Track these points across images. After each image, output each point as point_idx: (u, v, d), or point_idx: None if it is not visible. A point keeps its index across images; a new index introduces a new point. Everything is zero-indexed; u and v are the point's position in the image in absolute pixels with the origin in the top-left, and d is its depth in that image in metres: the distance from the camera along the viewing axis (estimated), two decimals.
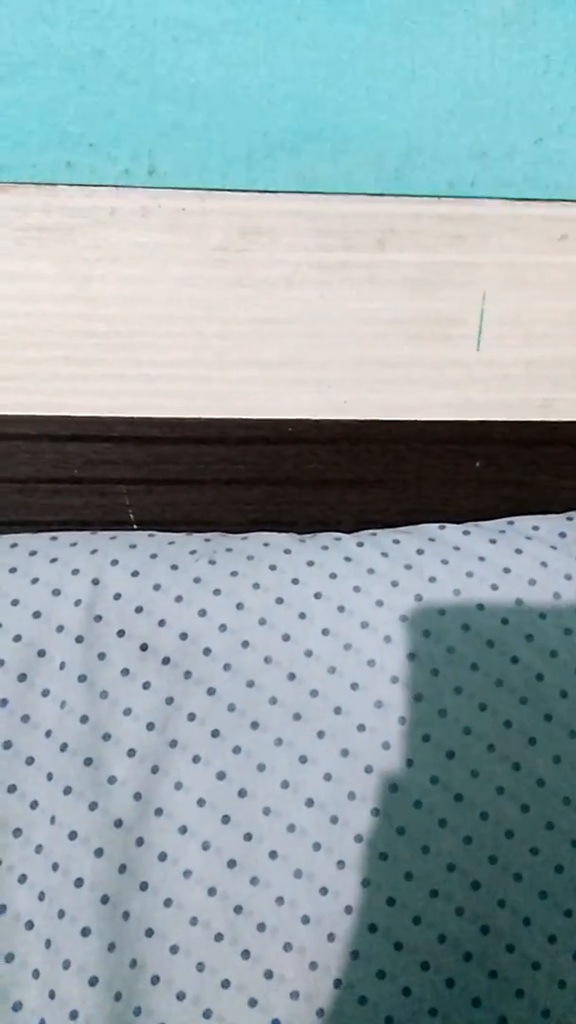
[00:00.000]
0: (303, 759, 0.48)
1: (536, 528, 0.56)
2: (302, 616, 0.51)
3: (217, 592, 0.51)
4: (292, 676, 0.50)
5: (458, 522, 0.57)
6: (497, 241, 0.59)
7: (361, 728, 0.49)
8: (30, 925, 0.45)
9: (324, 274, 0.58)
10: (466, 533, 0.56)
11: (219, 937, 0.45)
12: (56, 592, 0.51)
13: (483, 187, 0.60)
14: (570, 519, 0.57)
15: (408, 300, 0.59)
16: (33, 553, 0.53)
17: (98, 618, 0.51)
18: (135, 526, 0.60)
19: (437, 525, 0.57)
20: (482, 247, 0.59)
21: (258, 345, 0.59)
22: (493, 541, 0.55)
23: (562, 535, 0.56)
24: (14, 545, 0.54)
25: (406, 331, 0.60)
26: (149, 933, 0.45)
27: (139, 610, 0.51)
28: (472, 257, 0.59)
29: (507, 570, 0.53)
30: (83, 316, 0.58)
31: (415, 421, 0.61)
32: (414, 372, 0.61)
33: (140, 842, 0.46)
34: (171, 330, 0.58)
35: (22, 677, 0.49)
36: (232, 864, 0.46)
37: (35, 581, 0.51)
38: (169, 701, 0.49)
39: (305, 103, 0.57)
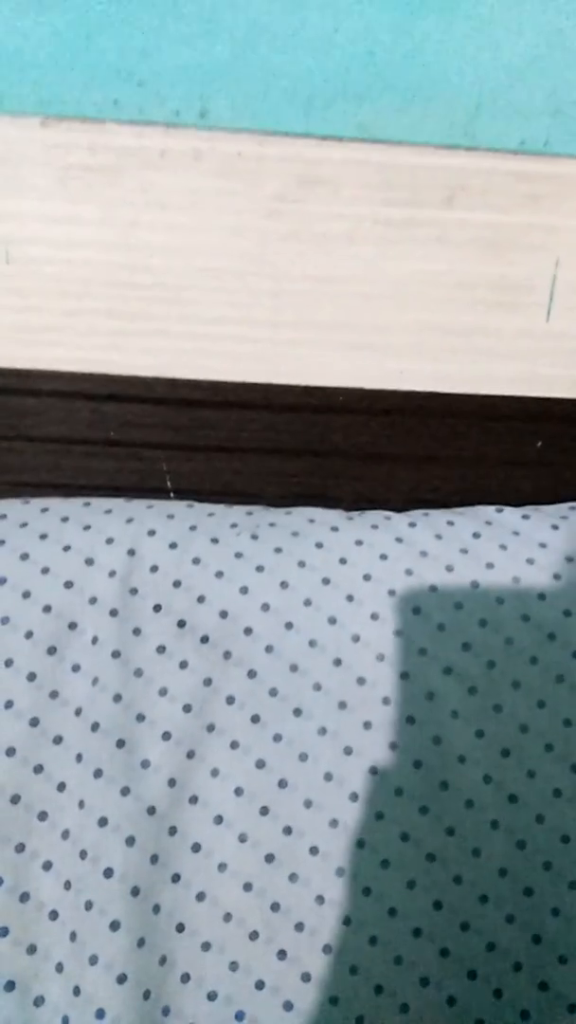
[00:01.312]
0: (348, 750, 0.46)
1: None
2: (350, 599, 0.49)
3: (260, 569, 0.49)
4: (338, 662, 0.48)
5: (516, 505, 0.55)
6: (575, 204, 0.55)
7: (410, 720, 0.47)
8: (54, 915, 0.43)
9: (387, 231, 0.55)
10: (525, 517, 0.53)
11: (254, 935, 0.43)
12: (89, 561, 0.49)
13: (557, 145, 0.56)
14: None
15: (476, 263, 0.56)
16: (65, 519, 0.50)
17: (134, 591, 0.48)
18: (172, 494, 0.57)
19: (494, 507, 0.54)
20: (557, 209, 0.55)
21: (311, 305, 0.56)
22: (555, 527, 0.52)
23: None
24: (45, 509, 0.51)
25: (472, 296, 0.57)
26: (180, 928, 0.43)
27: (177, 584, 0.48)
28: (546, 219, 0.56)
29: (570, 559, 0.51)
30: (126, 266, 0.55)
31: (475, 395, 0.58)
32: (478, 341, 0.58)
33: (173, 831, 0.44)
34: (219, 285, 0.55)
35: (52, 650, 0.47)
36: (270, 859, 0.44)
37: (67, 549, 0.49)
38: (207, 682, 0.47)
39: (372, 47, 0.53)
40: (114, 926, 0.43)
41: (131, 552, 0.49)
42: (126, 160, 0.53)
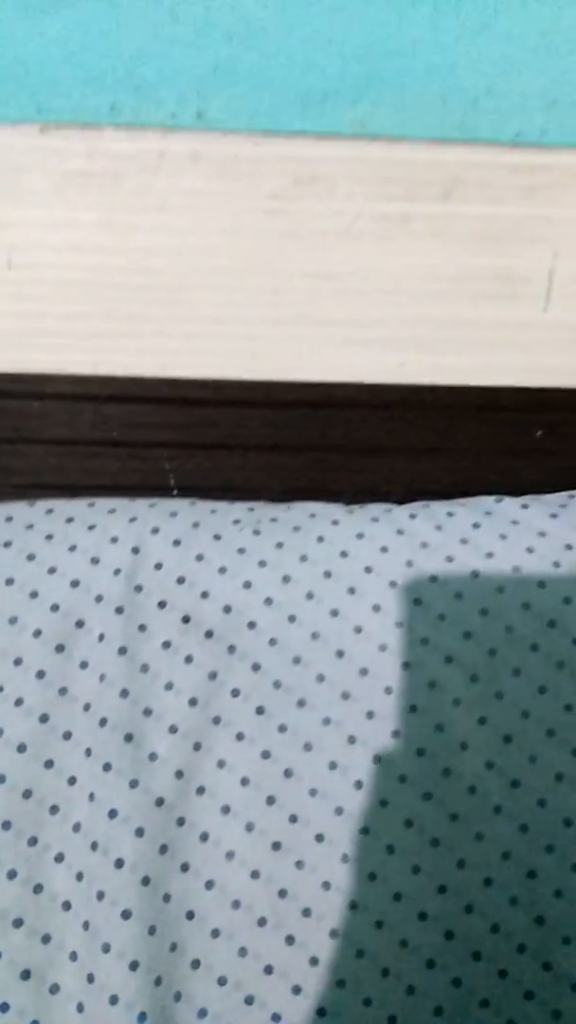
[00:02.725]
0: (352, 740, 0.47)
1: None
2: (351, 591, 0.50)
3: (262, 564, 0.50)
4: (341, 653, 0.48)
5: (517, 495, 0.55)
6: (571, 195, 0.56)
7: (412, 709, 0.48)
8: (67, 906, 0.44)
9: (385, 226, 0.56)
10: (525, 507, 0.54)
11: (262, 922, 0.44)
12: (95, 560, 0.50)
13: (553, 137, 0.57)
14: None
15: (473, 256, 0.57)
16: (70, 520, 0.51)
17: (138, 588, 0.49)
18: (175, 492, 0.58)
19: (494, 498, 0.55)
20: (555, 200, 0.56)
21: (310, 301, 0.57)
22: (554, 516, 0.53)
23: None
24: (50, 511, 0.52)
25: (470, 289, 0.58)
26: (190, 916, 0.44)
27: (181, 581, 0.49)
28: (543, 211, 0.56)
29: (569, 546, 0.51)
30: (126, 269, 0.56)
31: (475, 387, 0.59)
32: (476, 333, 0.58)
33: (181, 822, 0.45)
34: (219, 284, 0.56)
35: (60, 648, 0.48)
36: (277, 847, 0.45)
37: (73, 548, 0.50)
38: (212, 676, 0.48)
39: (366, 42, 0.54)
40: (125, 915, 0.44)
41: (135, 550, 0.50)
42: (124, 165, 0.54)
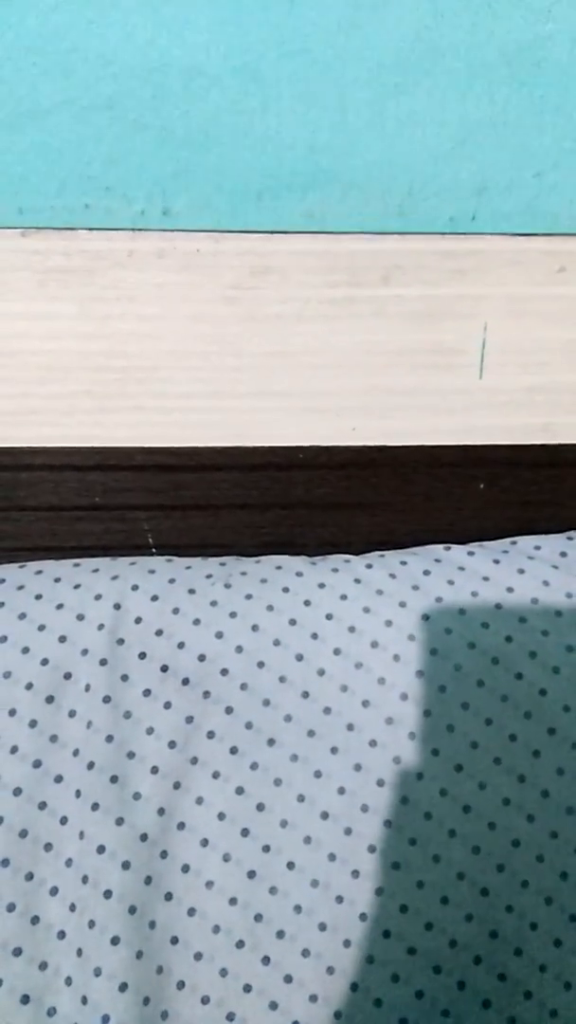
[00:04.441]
0: (318, 774, 0.50)
1: (538, 548, 0.58)
2: (315, 637, 0.53)
3: (233, 615, 0.53)
4: (306, 694, 0.52)
5: (464, 542, 0.59)
6: (497, 274, 0.61)
7: (373, 744, 0.51)
8: (62, 935, 0.47)
9: (332, 309, 0.60)
10: (471, 554, 0.58)
11: (240, 944, 0.47)
12: (80, 617, 0.53)
13: (484, 220, 0.62)
14: (570, 539, 0.59)
15: (413, 332, 0.61)
16: (58, 580, 0.55)
17: (120, 641, 0.53)
18: (154, 550, 0.62)
19: (443, 546, 0.59)
20: (483, 280, 0.61)
21: (269, 377, 0.61)
22: (497, 561, 0.57)
23: (563, 554, 0.58)
24: (39, 572, 0.56)
25: (411, 361, 0.62)
26: (174, 941, 0.47)
27: (159, 633, 0.53)
28: (473, 290, 0.61)
29: (510, 589, 0.55)
30: (103, 353, 0.60)
31: (421, 446, 0.62)
32: (419, 400, 0.62)
33: (164, 855, 0.48)
34: (187, 364, 0.61)
35: (50, 699, 0.51)
36: (252, 875, 0.48)
37: (60, 607, 0.53)
38: (189, 720, 0.51)
39: (312, 145, 0.59)
40: (115, 941, 0.47)
41: (117, 606, 0.53)
42: (97, 262, 0.58)
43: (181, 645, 0.53)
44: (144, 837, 0.49)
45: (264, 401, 0.62)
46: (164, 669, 0.52)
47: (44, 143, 0.58)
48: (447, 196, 0.61)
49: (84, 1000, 0.46)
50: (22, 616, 0.53)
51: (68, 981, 0.46)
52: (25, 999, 0.46)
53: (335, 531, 0.63)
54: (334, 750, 0.51)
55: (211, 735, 0.51)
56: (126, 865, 0.48)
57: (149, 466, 0.61)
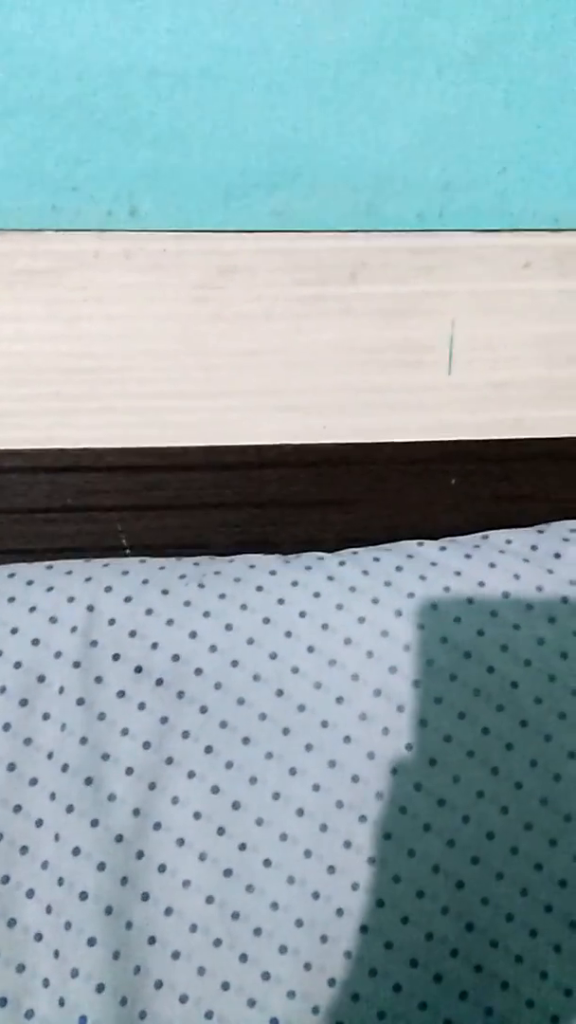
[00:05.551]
0: (293, 771, 0.50)
1: (509, 542, 0.58)
2: (288, 634, 0.53)
3: (207, 614, 0.53)
4: (280, 692, 0.52)
5: (436, 538, 0.59)
6: (464, 271, 0.61)
7: (347, 740, 0.51)
8: (39, 937, 0.47)
9: (300, 307, 0.61)
10: (442, 549, 0.58)
11: (218, 942, 0.47)
12: (53, 620, 0.53)
13: (450, 216, 0.62)
14: (541, 532, 0.60)
15: (381, 329, 0.62)
16: (30, 583, 0.55)
17: (94, 643, 0.52)
18: (127, 551, 0.62)
19: (416, 542, 0.59)
20: (450, 277, 0.61)
21: (239, 375, 0.61)
22: (468, 556, 0.57)
23: (533, 548, 0.58)
24: (12, 575, 0.55)
25: (380, 359, 0.62)
26: (152, 941, 0.47)
27: (133, 634, 0.53)
28: (441, 287, 0.61)
29: (482, 583, 0.55)
30: (72, 354, 0.60)
31: (392, 443, 0.63)
32: (389, 397, 0.63)
33: (140, 855, 0.48)
34: (156, 364, 0.61)
35: (23, 702, 0.51)
36: (228, 873, 0.48)
37: (33, 609, 0.53)
38: (164, 720, 0.51)
39: (277, 144, 0.59)
40: (91, 942, 0.47)
41: (90, 608, 0.53)
42: (65, 263, 0.58)
43: (155, 646, 0.52)
44: (120, 838, 0.49)
45: (234, 400, 0.62)
46: (138, 670, 0.52)
47: (10, 144, 0.58)
48: (414, 193, 0.62)
49: (62, 1002, 0.46)
50: None
51: (45, 983, 0.46)
52: (3, 1002, 0.46)
53: (309, 529, 0.63)
54: (308, 747, 0.51)
55: (186, 735, 0.51)
56: (102, 866, 0.48)
57: (121, 467, 0.61)
